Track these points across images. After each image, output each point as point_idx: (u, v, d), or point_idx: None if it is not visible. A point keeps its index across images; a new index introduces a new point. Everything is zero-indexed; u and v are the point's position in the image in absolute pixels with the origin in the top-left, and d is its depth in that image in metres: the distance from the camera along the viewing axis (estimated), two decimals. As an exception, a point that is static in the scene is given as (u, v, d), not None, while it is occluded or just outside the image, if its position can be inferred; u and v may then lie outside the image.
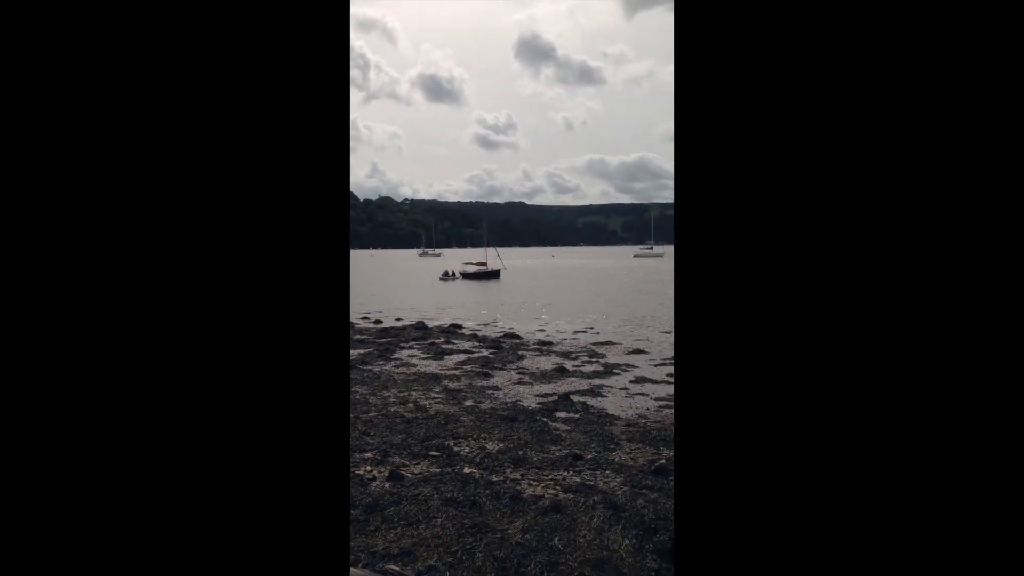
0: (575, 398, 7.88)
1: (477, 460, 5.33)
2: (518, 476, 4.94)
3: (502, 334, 14.23)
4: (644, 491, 4.53)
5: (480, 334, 14.29)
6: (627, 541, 3.64)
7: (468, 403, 7.58)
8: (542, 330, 15.26)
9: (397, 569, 3.12)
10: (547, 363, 10.54)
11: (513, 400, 7.81)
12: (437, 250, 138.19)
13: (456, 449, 5.67)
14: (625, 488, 4.61)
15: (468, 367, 10.06)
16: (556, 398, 7.88)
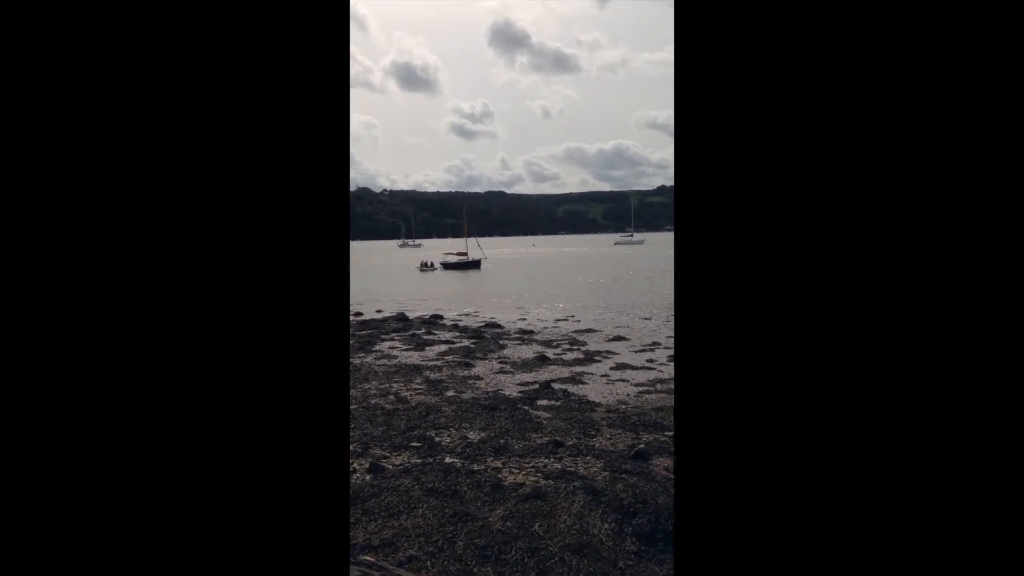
0: (556, 386, 7.93)
1: (458, 450, 5.34)
2: (499, 464, 4.97)
3: (483, 324, 14.24)
4: (624, 475, 4.59)
5: (461, 324, 14.28)
6: (607, 525, 3.69)
7: (449, 393, 7.58)
8: (523, 319, 15.29)
9: (372, 560, 3.12)
10: (528, 352, 10.57)
11: (495, 389, 7.83)
12: (417, 241, 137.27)
13: (437, 439, 5.68)
14: (605, 473, 4.66)
15: (449, 357, 10.06)
16: (537, 386, 7.92)
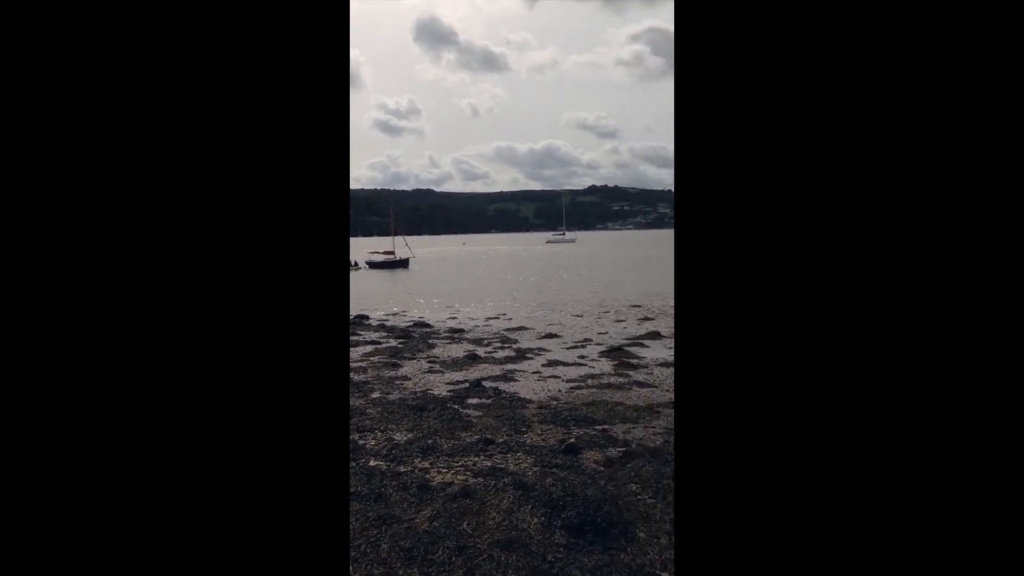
0: (487, 384, 7.87)
1: (384, 452, 5.17)
2: (427, 465, 4.85)
3: (412, 323, 13.99)
4: (554, 470, 4.59)
5: (388, 324, 13.97)
6: (536, 519, 3.66)
7: (375, 395, 7.37)
8: (454, 318, 15.15)
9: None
10: (458, 351, 10.46)
11: (423, 389, 7.67)
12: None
13: (361, 442, 5.48)
14: (536, 468, 4.64)
15: (375, 358, 9.79)
16: (467, 385, 7.82)
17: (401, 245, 43.98)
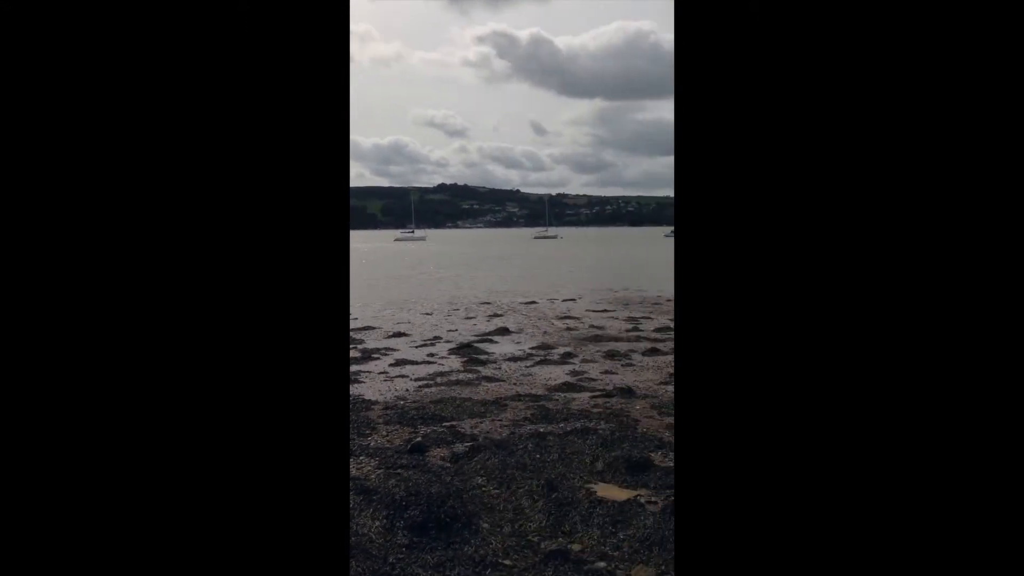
0: (330, 387, 7.54)
1: (212, 467, 4.75)
2: (262, 477, 4.53)
3: (249, 327, 13.00)
4: (398, 471, 4.52)
5: (222, 329, 12.84)
6: (377, 523, 3.58)
7: (204, 406, 6.73)
8: (296, 320, 14.31)
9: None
10: (300, 354, 9.90)
11: (260, 397, 7.16)
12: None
13: (186, 459, 4.98)
14: (379, 471, 4.55)
15: (206, 366, 8.95)
16: (309, 389, 7.44)
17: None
